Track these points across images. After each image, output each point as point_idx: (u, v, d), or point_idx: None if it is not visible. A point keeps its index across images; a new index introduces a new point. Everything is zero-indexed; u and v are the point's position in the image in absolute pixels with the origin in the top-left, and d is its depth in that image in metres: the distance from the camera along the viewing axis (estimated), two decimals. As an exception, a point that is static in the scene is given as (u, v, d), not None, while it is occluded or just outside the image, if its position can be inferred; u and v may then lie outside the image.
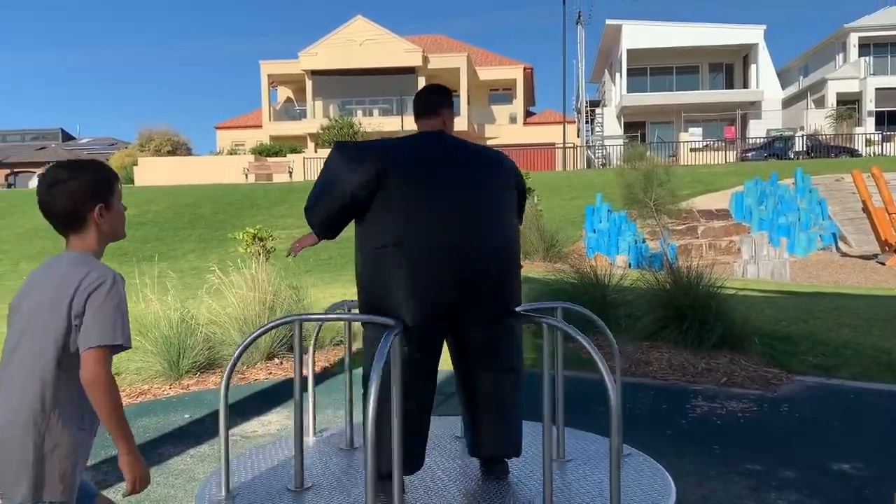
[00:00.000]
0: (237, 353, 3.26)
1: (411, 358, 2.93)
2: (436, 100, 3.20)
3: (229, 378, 3.19)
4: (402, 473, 2.71)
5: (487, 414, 3.20)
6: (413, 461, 3.08)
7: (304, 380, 3.52)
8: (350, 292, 10.78)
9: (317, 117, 38.65)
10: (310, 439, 3.98)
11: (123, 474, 1.88)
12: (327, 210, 3.04)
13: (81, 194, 1.94)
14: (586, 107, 41.20)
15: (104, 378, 1.82)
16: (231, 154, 36.83)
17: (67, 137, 60.26)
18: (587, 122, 41.21)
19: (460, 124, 38.62)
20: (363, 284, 3.06)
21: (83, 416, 1.90)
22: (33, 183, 38.49)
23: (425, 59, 38.45)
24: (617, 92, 40.38)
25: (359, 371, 6.15)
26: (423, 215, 2.92)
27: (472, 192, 3.03)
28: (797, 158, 31.02)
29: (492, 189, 3.10)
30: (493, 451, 3.26)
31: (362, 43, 38.28)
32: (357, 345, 7.00)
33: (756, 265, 16.96)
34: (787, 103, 40.88)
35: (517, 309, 3.17)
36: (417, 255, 2.91)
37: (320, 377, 6.00)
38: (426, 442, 3.16)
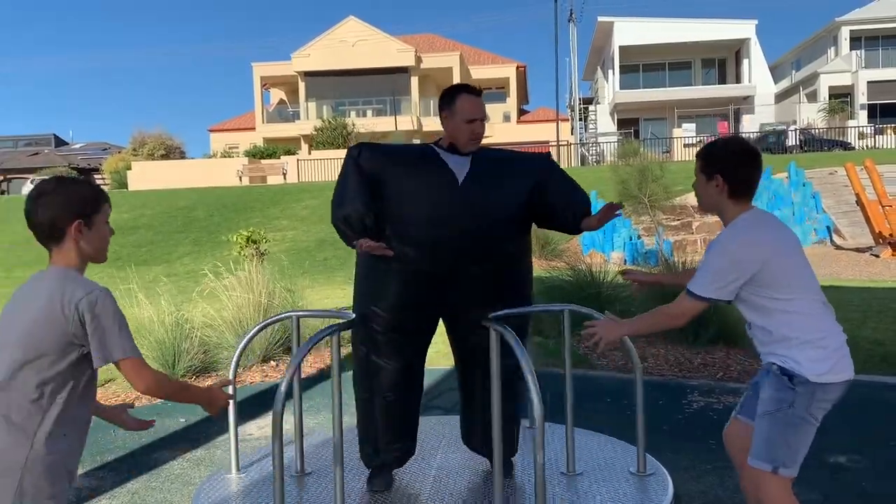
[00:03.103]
0: (239, 348, 3.29)
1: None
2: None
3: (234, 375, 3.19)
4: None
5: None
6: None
7: (300, 382, 3.52)
8: (345, 293, 10.77)
9: (310, 118, 38.59)
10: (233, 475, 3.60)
11: (204, 409, 2.11)
12: None
13: (62, 207, 1.94)
14: (579, 104, 41.22)
15: (148, 380, 1.90)
16: (225, 157, 36.77)
17: (60, 143, 60.03)
18: (581, 120, 41.24)
19: (454, 123, 38.58)
20: None
21: (73, 426, 1.91)
22: (27, 189, 38.35)
23: (418, 59, 38.43)
24: (610, 89, 40.42)
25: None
26: None
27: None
28: (790, 152, 31.10)
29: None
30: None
31: (355, 43, 38.23)
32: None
33: (751, 260, 16.97)
34: (780, 98, 40.97)
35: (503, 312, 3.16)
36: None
37: (316, 379, 5.99)
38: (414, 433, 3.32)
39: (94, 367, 1.89)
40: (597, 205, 18.29)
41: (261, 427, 4.70)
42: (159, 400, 5.50)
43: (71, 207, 1.95)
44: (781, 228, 2.39)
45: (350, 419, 4.62)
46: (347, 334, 7.20)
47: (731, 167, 2.40)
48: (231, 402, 2.71)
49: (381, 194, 2.98)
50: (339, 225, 2.99)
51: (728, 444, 2.64)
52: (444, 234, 2.96)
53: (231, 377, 3.37)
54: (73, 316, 1.83)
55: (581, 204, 3.21)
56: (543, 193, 3.15)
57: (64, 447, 1.88)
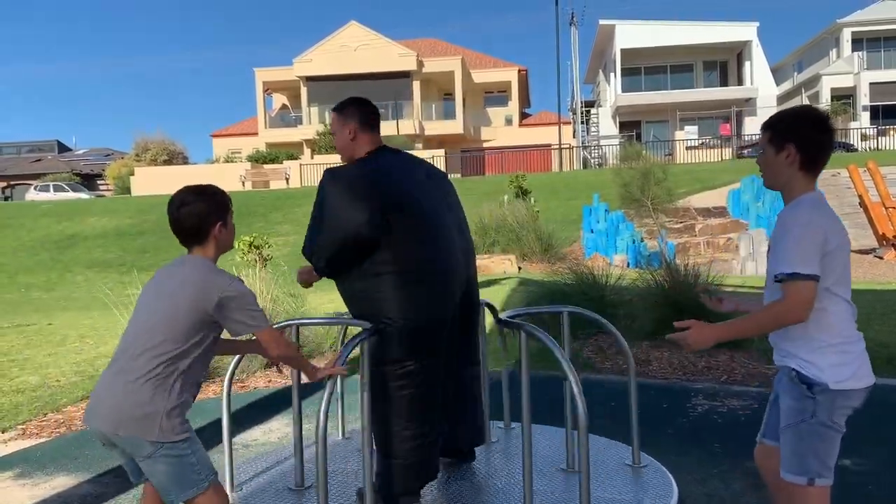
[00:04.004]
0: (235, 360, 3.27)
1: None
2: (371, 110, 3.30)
3: (230, 385, 3.19)
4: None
5: (470, 407, 3.39)
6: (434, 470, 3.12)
7: (301, 387, 3.52)
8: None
9: (312, 123, 38.67)
10: (343, 440, 3.95)
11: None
12: None
13: (206, 214, 2.40)
14: (581, 107, 41.25)
15: (282, 345, 2.43)
16: (227, 162, 36.82)
17: (63, 149, 60.19)
18: (583, 123, 41.26)
19: (456, 128, 38.66)
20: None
21: (195, 381, 2.39)
22: (30, 195, 38.41)
23: (420, 64, 38.49)
24: (612, 92, 40.43)
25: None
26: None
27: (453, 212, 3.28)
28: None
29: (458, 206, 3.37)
30: (474, 441, 3.48)
31: (356, 48, 38.30)
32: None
33: (755, 262, 16.95)
34: (782, 99, 40.94)
35: (506, 315, 3.24)
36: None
37: (314, 387, 5.99)
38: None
39: (236, 336, 2.38)
40: (598, 208, 18.29)
41: (265, 433, 4.70)
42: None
43: (212, 213, 2.41)
44: (838, 217, 2.27)
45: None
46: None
47: (805, 136, 2.21)
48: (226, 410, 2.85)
49: None
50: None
51: (759, 466, 2.55)
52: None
53: (227, 383, 3.40)
54: (216, 299, 2.28)
55: None
56: None
57: (188, 398, 2.36)
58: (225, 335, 2.47)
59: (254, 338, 2.46)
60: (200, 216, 2.39)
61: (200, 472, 2.33)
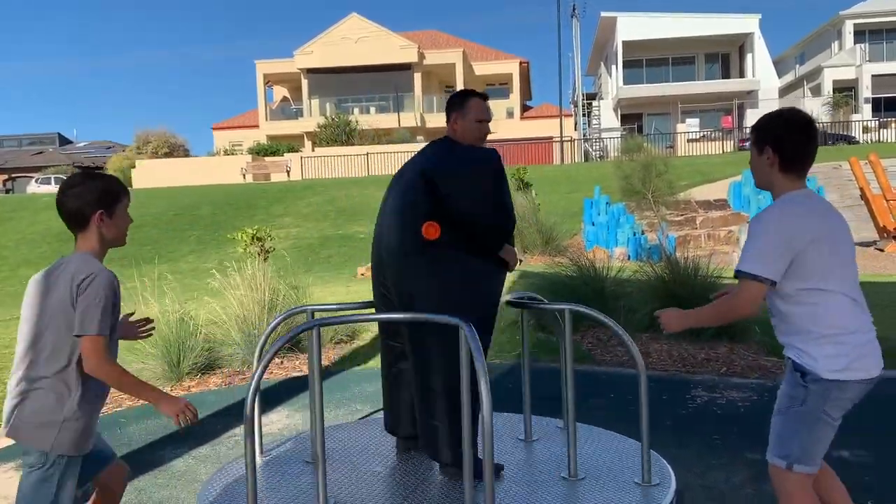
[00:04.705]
0: (264, 335, 3.28)
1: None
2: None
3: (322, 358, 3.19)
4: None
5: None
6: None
7: (303, 379, 3.53)
8: (350, 290, 10.78)
9: (313, 116, 38.61)
10: (259, 458, 3.66)
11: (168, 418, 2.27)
12: None
13: (87, 198, 2.27)
14: (583, 100, 41.14)
15: (103, 364, 2.18)
16: (228, 154, 36.81)
17: (64, 142, 60.17)
18: (584, 115, 41.17)
19: (457, 120, 38.53)
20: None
21: (95, 392, 2.27)
22: (31, 188, 38.43)
23: (421, 56, 38.40)
24: (613, 84, 40.34)
25: (362, 370, 6.15)
26: None
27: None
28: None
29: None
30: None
31: (357, 40, 38.22)
32: (354, 344, 7.00)
33: (755, 254, 16.94)
34: (784, 92, 40.84)
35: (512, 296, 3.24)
36: None
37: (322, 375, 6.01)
38: None
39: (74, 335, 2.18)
40: (599, 200, 18.28)
41: (266, 424, 4.71)
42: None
43: (94, 199, 2.27)
44: (832, 212, 2.29)
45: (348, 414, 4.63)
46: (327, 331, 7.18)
47: (782, 138, 2.29)
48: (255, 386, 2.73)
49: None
50: (508, 232, 3.17)
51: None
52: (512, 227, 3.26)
53: (260, 367, 3.43)
54: (73, 291, 2.16)
55: None
56: None
57: (88, 411, 2.24)
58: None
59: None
60: (81, 201, 2.26)
61: None
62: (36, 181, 39.07)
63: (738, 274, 2.24)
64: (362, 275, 14.24)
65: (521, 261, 2.83)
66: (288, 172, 33.12)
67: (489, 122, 3.29)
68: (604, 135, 38.40)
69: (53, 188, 36.65)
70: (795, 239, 2.18)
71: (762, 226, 2.22)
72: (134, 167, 34.97)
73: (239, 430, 4.58)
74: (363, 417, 4.77)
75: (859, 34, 38.64)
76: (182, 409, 2.25)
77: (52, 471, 2.18)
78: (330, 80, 39.01)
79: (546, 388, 4.99)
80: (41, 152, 53.38)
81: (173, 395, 2.26)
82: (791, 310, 2.28)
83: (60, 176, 39.12)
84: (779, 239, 2.19)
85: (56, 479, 2.20)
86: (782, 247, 2.19)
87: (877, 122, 34.63)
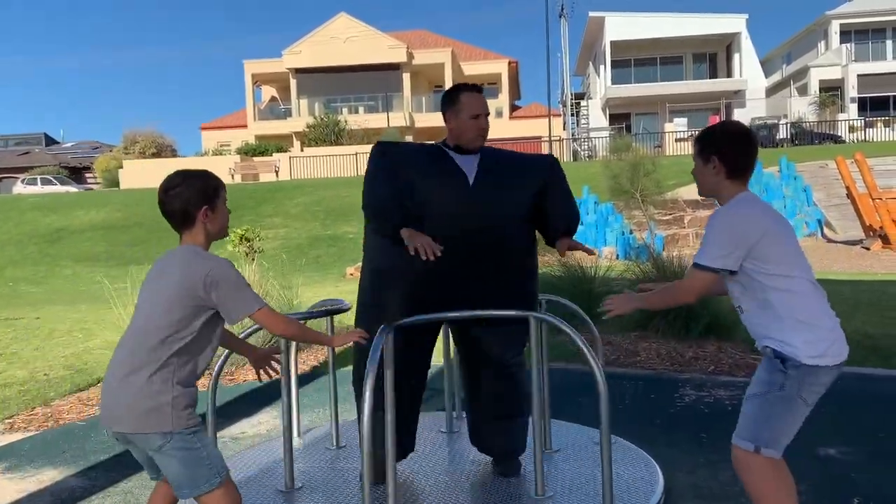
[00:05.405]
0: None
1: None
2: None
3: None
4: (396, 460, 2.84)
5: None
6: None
7: (290, 379, 3.52)
8: (339, 290, 10.78)
9: (302, 116, 38.51)
10: (296, 440, 3.98)
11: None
12: None
13: (190, 197, 2.35)
14: (571, 99, 41.24)
15: (281, 324, 2.37)
16: (217, 154, 36.65)
17: (51, 142, 59.69)
18: (573, 115, 41.26)
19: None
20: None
21: (201, 370, 2.36)
22: (17, 188, 38.11)
23: (410, 55, 38.38)
24: (601, 84, 40.44)
25: (347, 371, 6.15)
26: None
27: None
28: (781, 146, 31.19)
29: None
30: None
31: (346, 40, 38.14)
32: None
33: (743, 253, 17.05)
34: (771, 91, 41.05)
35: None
36: None
37: (310, 376, 6.00)
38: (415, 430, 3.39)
39: (230, 324, 2.34)
40: (588, 200, 18.33)
41: (253, 425, 4.70)
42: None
43: (197, 197, 2.36)
44: (776, 212, 2.46)
45: (345, 415, 4.63)
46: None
47: (727, 149, 2.46)
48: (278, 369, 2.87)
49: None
50: (377, 215, 3.01)
51: None
52: (457, 233, 2.98)
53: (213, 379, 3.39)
54: (202, 284, 2.24)
55: (570, 218, 3.26)
56: (544, 196, 3.22)
57: (194, 388, 2.33)
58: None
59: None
60: (186, 200, 2.34)
61: (212, 468, 2.30)
62: (22, 182, 38.74)
63: (693, 266, 2.42)
64: (351, 275, 14.21)
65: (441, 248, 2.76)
66: (277, 172, 33.02)
67: (486, 115, 3.12)
68: (592, 134, 38.50)
69: (40, 189, 36.38)
70: (748, 232, 2.33)
71: (717, 223, 2.38)
72: (121, 167, 34.76)
73: (226, 432, 4.56)
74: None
75: (845, 34, 38.90)
76: (348, 337, 2.61)
77: (180, 442, 2.26)
78: (319, 79, 38.92)
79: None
80: (27, 152, 52.96)
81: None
82: (763, 300, 2.38)
83: (47, 177, 38.83)
84: (732, 233, 2.35)
85: (193, 441, 2.29)
86: (736, 239, 2.34)
87: (863, 121, 34.89)
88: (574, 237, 3.34)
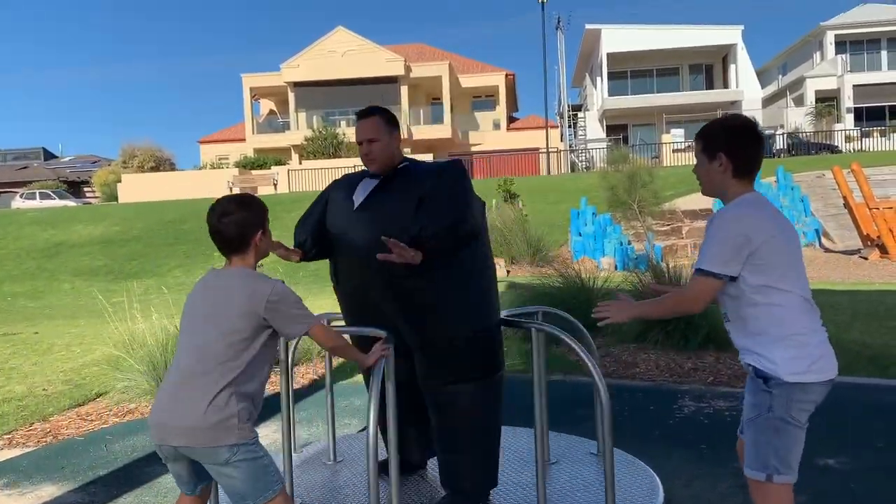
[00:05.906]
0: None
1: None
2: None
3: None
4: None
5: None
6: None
7: (287, 393, 3.52)
8: (336, 303, 10.76)
9: (300, 129, 38.61)
10: (294, 455, 3.98)
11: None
12: None
13: (247, 224, 2.45)
14: (568, 111, 41.40)
15: (331, 339, 2.54)
16: (215, 168, 36.70)
17: (49, 156, 59.78)
18: (570, 127, 41.41)
19: (444, 132, 38.72)
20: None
21: (262, 382, 2.45)
22: (16, 203, 38.11)
23: (407, 69, 38.52)
24: (598, 96, 40.61)
25: (349, 384, 6.15)
26: None
27: None
28: (778, 156, 31.29)
29: None
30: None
31: (344, 54, 38.30)
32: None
33: (741, 263, 17.06)
34: (767, 102, 41.26)
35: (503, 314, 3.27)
36: None
37: (310, 390, 5.99)
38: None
39: (288, 339, 2.59)
40: (586, 211, 18.35)
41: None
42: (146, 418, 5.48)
43: (254, 221, 2.47)
44: (782, 215, 2.34)
45: (342, 430, 4.61)
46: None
47: (735, 145, 2.33)
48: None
49: None
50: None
51: (740, 459, 2.59)
52: (344, 257, 3.13)
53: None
54: (264, 304, 2.34)
55: (426, 227, 2.85)
56: (421, 207, 2.92)
57: (259, 400, 2.43)
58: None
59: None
60: (242, 226, 2.45)
61: (274, 475, 2.38)
62: (21, 196, 38.74)
63: (695, 271, 2.28)
64: (350, 288, 14.18)
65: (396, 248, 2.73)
66: (275, 185, 33.06)
67: (369, 141, 3.07)
68: (589, 146, 38.62)
69: (38, 203, 36.40)
70: (751, 236, 2.21)
71: (719, 225, 2.26)
72: (120, 181, 34.79)
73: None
74: (360, 430, 4.75)
75: (840, 45, 39.13)
76: (371, 355, 2.70)
77: (246, 453, 2.32)
78: (317, 93, 39.05)
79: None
80: (26, 167, 53.03)
81: None
82: (748, 311, 2.28)
83: (45, 191, 38.85)
84: (735, 237, 2.22)
85: (257, 450, 2.36)
86: (738, 244, 2.22)
87: (859, 131, 35.03)
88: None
